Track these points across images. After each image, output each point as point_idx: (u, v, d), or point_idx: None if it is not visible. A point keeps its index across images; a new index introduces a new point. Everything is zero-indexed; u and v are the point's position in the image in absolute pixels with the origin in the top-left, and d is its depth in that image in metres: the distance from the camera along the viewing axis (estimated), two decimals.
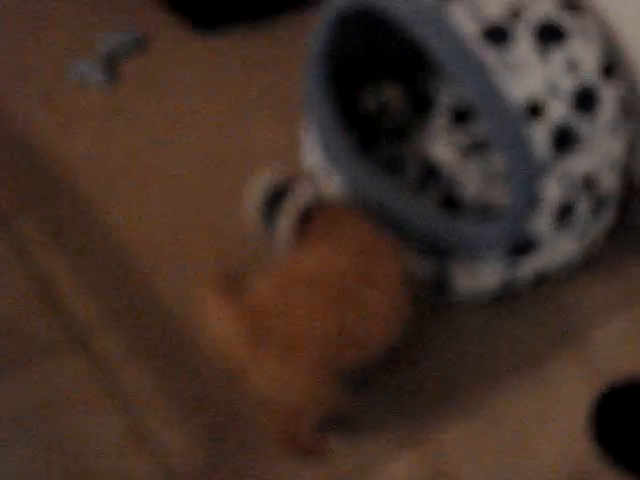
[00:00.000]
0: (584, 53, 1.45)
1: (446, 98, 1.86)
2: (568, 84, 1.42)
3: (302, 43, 2.05)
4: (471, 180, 1.71)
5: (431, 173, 1.73)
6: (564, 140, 1.42)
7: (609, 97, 1.46)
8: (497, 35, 1.41)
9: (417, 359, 1.49)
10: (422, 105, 1.86)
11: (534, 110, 1.40)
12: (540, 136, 1.40)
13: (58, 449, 1.37)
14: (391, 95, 1.77)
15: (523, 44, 1.42)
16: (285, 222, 1.35)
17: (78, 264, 1.62)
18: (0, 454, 1.36)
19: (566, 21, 1.46)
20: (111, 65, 2.04)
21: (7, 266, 1.63)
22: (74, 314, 1.55)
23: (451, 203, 1.66)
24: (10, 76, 2.00)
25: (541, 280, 1.59)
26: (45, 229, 1.68)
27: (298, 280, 1.25)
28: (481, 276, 1.52)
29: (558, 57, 1.43)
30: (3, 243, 1.67)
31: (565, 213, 1.47)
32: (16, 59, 2.04)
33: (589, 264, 1.63)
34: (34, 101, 1.94)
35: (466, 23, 1.41)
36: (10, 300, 1.57)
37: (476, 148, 1.77)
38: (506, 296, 1.58)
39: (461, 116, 1.83)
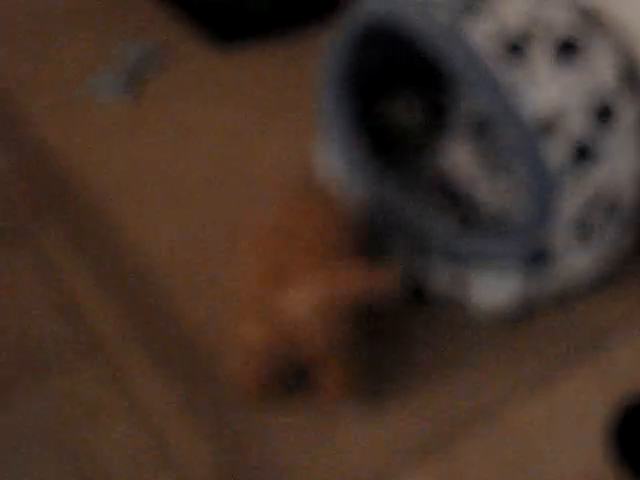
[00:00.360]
0: (602, 68, 1.45)
1: (463, 112, 1.86)
2: (586, 98, 1.42)
3: (321, 58, 2.07)
4: (487, 193, 1.71)
5: (448, 186, 1.73)
6: (581, 154, 1.42)
7: (627, 111, 1.46)
8: (514, 49, 1.42)
9: (428, 368, 1.49)
10: (439, 118, 1.86)
11: (551, 124, 1.40)
12: (557, 150, 1.40)
13: (75, 459, 1.38)
14: (408, 108, 1.77)
15: (540, 58, 1.42)
16: None
17: (98, 275, 1.63)
18: (22, 468, 1.37)
19: (585, 35, 1.46)
20: (130, 77, 2.05)
21: (26, 276, 1.64)
22: (95, 325, 1.57)
23: (467, 216, 1.67)
24: (28, 87, 2.00)
25: (557, 293, 1.58)
26: (64, 239, 1.69)
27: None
28: (496, 289, 1.52)
29: (576, 71, 1.43)
30: (22, 253, 1.68)
31: (582, 228, 1.47)
32: (34, 70, 2.05)
33: (606, 278, 1.63)
34: (52, 112, 1.95)
35: (482, 38, 1.41)
36: (30, 311, 1.58)
37: (493, 161, 1.77)
38: (521, 309, 1.58)
39: (479, 129, 1.83)
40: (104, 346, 1.54)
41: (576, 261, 1.52)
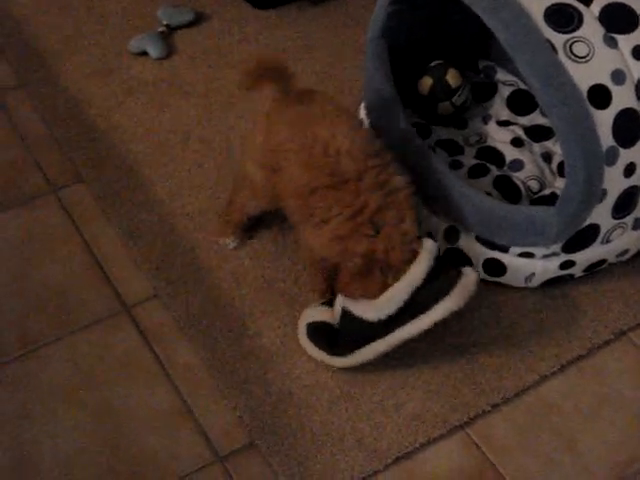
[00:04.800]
0: None
1: (507, 86, 1.83)
2: (635, 71, 1.38)
3: (363, 20, 2.04)
4: (528, 166, 1.67)
5: (488, 158, 1.70)
6: (629, 129, 1.38)
7: None
8: (563, 19, 1.38)
9: (466, 342, 1.47)
10: (483, 93, 1.83)
11: (599, 98, 1.36)
12: (604, 125, 1.36)
13: (104, 416, 1.38)
14: (452, 81, 1.74)
15: (589, 29, 1.38)
16: None
17: (128, 234, 1.62)
18: (49, 415, 1.38)
19: (635, 5, 1.42)
20: (170, 39, 2.04)
21: (59, 235, 1.64)
22: (124, 285, 1.56)
23: (507, 189, 1.63)
24: (70, 46, 2.01)
25: (598, 268, 1.55)
26: (97, 198, 1.69)
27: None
28: (537, 261, 1.49)
29: (626, 44, 1.39)
30: (56, 212, 1.68)
31: (626, 203, 1.44)
32: (77, 28, 2.05)
33: None
34: (92, 71, 1.95)
35: (532, 4, 1.38)
36: (62, 268, 1.58)
37: (536, 135, 1.74)
38: (562, 283, 1.54)
39: (521, 104, 1.79)
40: (134, 306, 1.53)
41: (618, 235, 1.49)
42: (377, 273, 1.35)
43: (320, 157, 1.37)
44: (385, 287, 1.35)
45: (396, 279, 1.35)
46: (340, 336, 1.42)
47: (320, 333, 1.44)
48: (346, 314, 1.39)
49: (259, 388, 1.41)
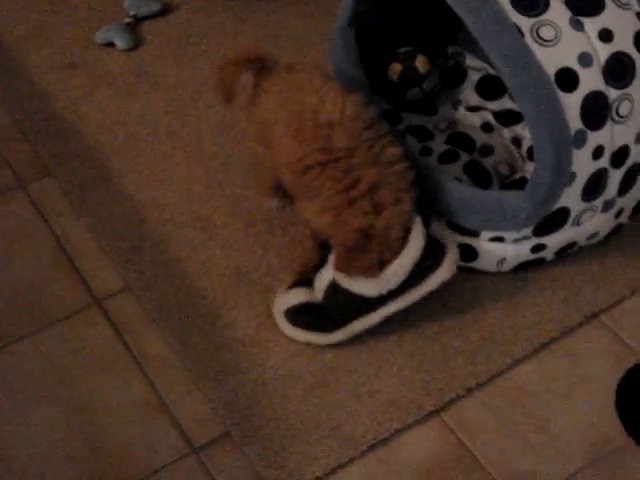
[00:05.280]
0: (619, 22, 1.41)
1: (476, 72, 1.83)
2: (602, 54, 1.39)
3: (331, 8, 2.03)
4: (498, 151, 1.68)
5: (458, 144, 1.70)
6: (597, 112, 1.39)
7: None
8: (530, 2, 1.38)
9: (439, 328, 1.47)
10: (452, 79, 1.83)
11: (566, 81, 1.36)
12: (572, 108, 1.37)
13: (78, 411, 1.37)
14: (421, 67, 1.73)
15: (556, 12, 1.38)
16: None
17: (98, 227, 1.61)
18: (22, 412, 1.36)
19: None
20: (137, 30, 2.02)
21: (30, 230, 1.62)
22: (95, 278, 1.55)
23: (477, 174, 1.64)
24: (36, 39, 1.99)
25: (569, 251, 1.56)
26: (65, 192, 1.67)
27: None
28: (508, 245, 1.50)
29: (592, 26, 1.40)
30: (25, 206, 1.66)
31: (595, 186, 1.44)
32: (43, 22, 2.03)
33: (618, 236, 1.60)
34: (59, 63, 1.93)
35: None
36: (32, 263, 1.57)
37: (505, 120, 1.74)
38: (533, 266, 1.55)
39: (490, 89, 1.80)
40: (105, 299, 1.52)
41: (588, 218, 1.49)
42: (374, 249, 1.35)
43: (311, 128, 1.36)
44: (380, 263, 1.36)
45: (393, 255, 1.35)
46: (326, 312, 1.41)
47: (302, 315, 1.43)
48: (337, 290, 1.39)
49: (233, 378, 1.40)
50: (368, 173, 1.36)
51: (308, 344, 1.44)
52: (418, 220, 1.38)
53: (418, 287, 1.39)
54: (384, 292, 1.37)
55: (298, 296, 1.44)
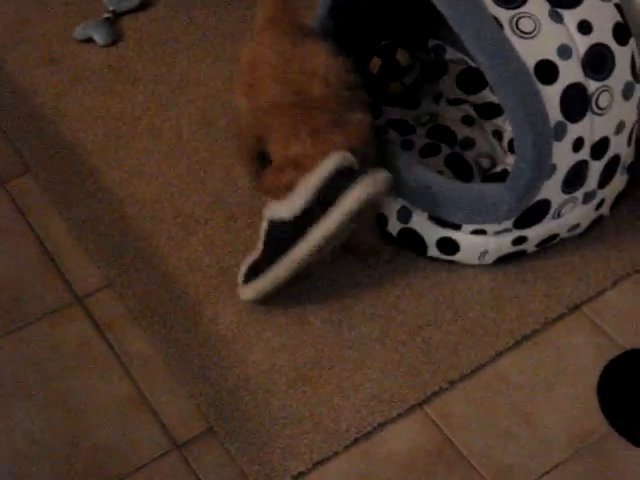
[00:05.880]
0: (598, 14, 1.42)
1: (456, 65, 1.82)
2: (581, 46, 1.39)
3: (310, 4, 2.02)
4: (479, 144, 1.68)
5: (439, 137, 1.70)
6: (576, 104, 1.39)
7: (623, 59, 1.43)
8: None
9: (421, 321, 1.47)
10: (433, 72, 1.82)
11: (545, 73, 1.36)
12: (551, 100, 1.37)
13: (60, 408, 1.37)
14: (401, 60, 1.73)
15: (535, 4, 1.39)
16: None
17: (79, 224, 1.60)
18: (3, 411, 1.36)
19: None
20: (116, 25, 2.01)
21: (10, 227, 1.61)
22: (76, 276, 1.54)
23: (459, 167, 1.64)
24: (15, 35, 1.97)
25: (550, 243, 1.56)
26: (47, 190, 1.66)
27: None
28: (489, 238, 1.50)
29: (571, 18, 1.40)
30: (4, 204, 1.65)
31: (575, 178, 1.45)
32: (21, 18, 2.01)
33: (599, 228, 1.61)
34: (38, 59, 1.91)
35: None
36: (13, 261, 1.56)
37: (486, 113, 1.74)
38: (515, 259, 1.55)
39: (471, 82, 1.80)
40: (86, 297, 1.51)
41: (568, 210, 1.50)
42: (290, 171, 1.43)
43: (295, 74, 1.43)
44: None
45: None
46: (265, 252, 1.45)
47: (251, 273, 1.46)
48: (268, 229, 1.44)
49: (216, 374, 1.40)
50: (325, 117, 1.43)
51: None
52: (341, 153, 1.41)
53: (336, 206, 1.39)
54: (298, 212, 1.40)
55: (246, 263, 1.49)
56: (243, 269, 1.48)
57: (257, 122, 1.52)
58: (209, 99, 1.85)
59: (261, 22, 1.55)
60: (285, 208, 1.42)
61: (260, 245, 1.46)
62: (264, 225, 1.45)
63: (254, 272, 1.45)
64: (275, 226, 1.43)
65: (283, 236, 1.42)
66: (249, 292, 1.46)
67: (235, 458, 1.31)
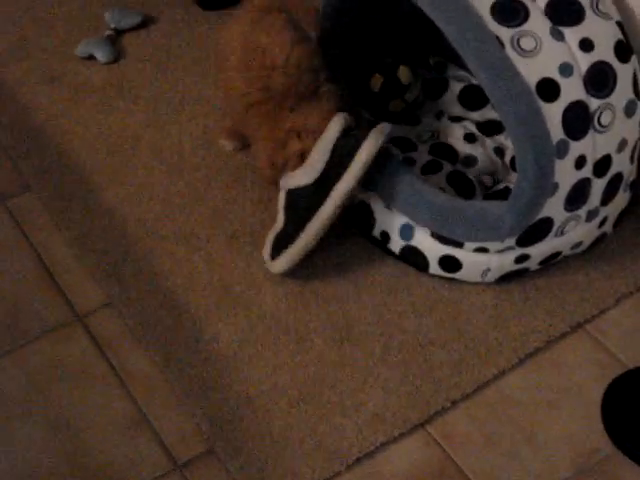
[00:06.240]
0: (599, 32, 1.41)
1: (458, 82, 1.82)
2: (582, 63, 1.39)
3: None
4: (481, 161, 1.68)
5: (441, 155, 1.70)
6: (578, 122, 1.39)
7: (625, 77, 1.43)
8: (510, 13, 1.38)
9: (423, 339, 1.46)
10: (435, 89, 1.82)
11: (547, 91, 1.36)
12: (553, 118, 1.36)
13: (59, 427, 1.36)
14: (403, 78, 1.73)
15: (536, 23, 1.39)
16: None
17: (80, 242, 1.60)
18: (2, 431, 1.35)
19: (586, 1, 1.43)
20: (118, 42, 2.01)
21: (10, 245, 1.61)
22: (76, 294, 1.53)
23: (461, 185, 1.63)
24: (16, 52, 1.97)
25: (553, 260, 1.56)
26: (47, 207, 1.66)
27: None
28: (492, 255, 1.49)
29: (572, 36, 1.40)
30: (5, 221, 1.65)
31: (578, 195, 1.44)
32: (22, 34, 2.02)
33: (602, 245, 1.60)
34: (39, 77, 1.92)
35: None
36: (13, 279, 1.55)
37: (488, 130, 1.74)
38: (518, 276, 1.55)
39: (473, 99, 1.80)
40: (86, 314, 1.50)
41: (571, 228, 1.49)
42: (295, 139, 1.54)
43: (256, 68, 1.53)
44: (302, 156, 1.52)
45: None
46: (287, 222, 1.51)
47: (278, 246, 1.52)
48: (287, 196, 1.51)
49: (217, 394, 1.39)
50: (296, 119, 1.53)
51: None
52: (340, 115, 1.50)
53: (354, 160, 1.47)
54: (317, 174, 1.48)
55: (269, 238, 1.54)
56: (268, 245, 1.53)
57: (238, 119, 1.62)
58: (210, 116, 1.85)
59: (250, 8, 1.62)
60: (304, 175, 1.49)
61: (281, 217, 1.52)
62: (282, 197, 1.53)
63: (279, 245, 1.51)
64: (294, 195, 1.50)
65: (302, 203, 1.50)
66: (281, 264, 1.51)
67: (236, 478, 1.30)
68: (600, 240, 1.59)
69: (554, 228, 1.47)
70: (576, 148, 1.39)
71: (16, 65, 1.95)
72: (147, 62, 1.97)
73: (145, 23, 2.06)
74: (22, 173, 1.73)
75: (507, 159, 1.69)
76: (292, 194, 1.51)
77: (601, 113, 1.40)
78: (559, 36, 1.39)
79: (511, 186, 1.55)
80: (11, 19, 2.07)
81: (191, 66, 1.96)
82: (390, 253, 1.57)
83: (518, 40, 1.36)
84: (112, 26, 2.02)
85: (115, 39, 2.01)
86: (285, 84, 1.53)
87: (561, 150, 1.38)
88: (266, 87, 1.53)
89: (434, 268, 1.53)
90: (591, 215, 1.50)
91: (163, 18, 2.09)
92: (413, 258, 1.54)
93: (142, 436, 1.35)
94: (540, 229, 1.46)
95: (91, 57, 1.96)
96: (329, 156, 1.48)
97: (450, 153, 1.70)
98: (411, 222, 1.51)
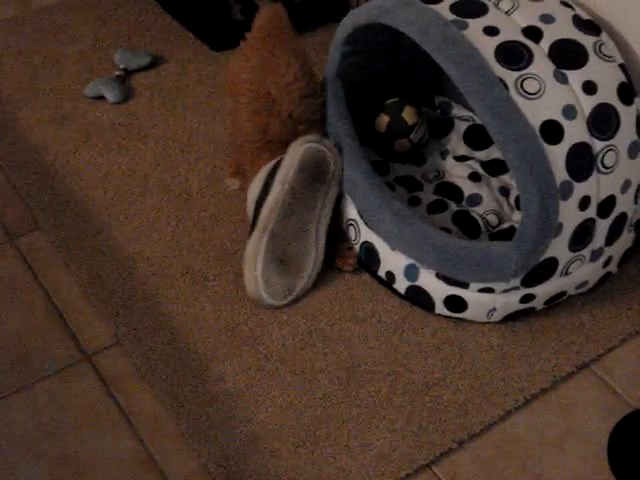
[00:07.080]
0: (602, 74, 1.43)
1: (463, 122, 1.84)
2: (586, 106, 1.40)
3: (320, 59, 2.06)
4: (486, 201, 1.69)
5: (446, 194, 1.71)
6: (582, 163, 1.40)
7: (628, 119, 1.44)
8: (514, 56, 1.40)
9: (429, 380, 1.46)
10: (440, 128, 1.84)
11: (551, 133, 1.38)
12: (557, 160, 1.38)
13: (67, 468, 1.36)
14: (408, 118, 1.75)
15: (540, 65, 1.40)
16: None
17: (88, 281, 1.61)
18: (9, 470, 1.35)
19: (584, 41, 1.44)
20: (127, 83, 2.04)
21: (19, 283, 1.62)
22: (84, 332, 1.54)
23: (466, 224, 1.64)
24: (26, 92, 2.00)
25: (558, 300, 1.56)
26: (56, 246, 1.67)
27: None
28: (497, 296, 1.50)
29: (576, 79, 1.41)
30: (13, 260, 1.66)
31: (582, 236, 1.45)
32: (33, 75, 2.05)
33: (607, 285, 1.61)
34: (49, 116, 1.94)
35: (482, 42, 1.40)
36: (20, 318, 1.56)
37: (493, 169, 1.75)
38: (523, 316, 1.55)
39: (478, 139, 1.81)
40: (93, 354, 1.51)
41: (576, 268, 1.50)
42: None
43: (265, 117, 1.62)
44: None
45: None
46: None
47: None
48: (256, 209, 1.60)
49: (223, 434, 1.39)
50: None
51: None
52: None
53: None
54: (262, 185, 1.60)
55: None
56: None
57: (243, 159, 1.69)
58: (218, 155, 1.87)
59: (254, 32, 1.68)
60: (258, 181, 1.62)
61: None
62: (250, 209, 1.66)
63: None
64: (257, 204, 1.61)
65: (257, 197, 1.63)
66: (247, 277, 1.57)
67: None
68: (605, 279, 1.59)
69: (559, 268, 1.47)
70: (580, 189, 1.40)
71: (26, 104, 1.97)
72: (156, 102, 1.99)
73: (154, 63, 2.09)
74: (32, 212, 1.75)
75: (512, 198, 1.70)
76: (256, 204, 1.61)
77: (605, 155, 1.41)
78: (563, 79, 1.41)
79: (516, 225, 1.55)
80: (21, 59, 2.10)
81: (199, 106, 1.99)
82: (396, 293, 1.58)
83: (522, 83, 1.38)
84: (122, 66, 2.05)
85: (125, 79, 2.04)
86: (287, 134, 1.62)
87: (565, 191, 1.39)
88: (266, 130, 1.63)
89: (440, 308, 1.54)
90: (595, 255, 1.51)
91: (172, 58, 2.12)
92: (419, 298, 1.55)
93: (149, 476, 1.35)
94: (545, 269, 1.46)
95: (101, 97, 1.99)
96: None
97: (455, 192, 1.71)
98: (416, 262, 1.52)
